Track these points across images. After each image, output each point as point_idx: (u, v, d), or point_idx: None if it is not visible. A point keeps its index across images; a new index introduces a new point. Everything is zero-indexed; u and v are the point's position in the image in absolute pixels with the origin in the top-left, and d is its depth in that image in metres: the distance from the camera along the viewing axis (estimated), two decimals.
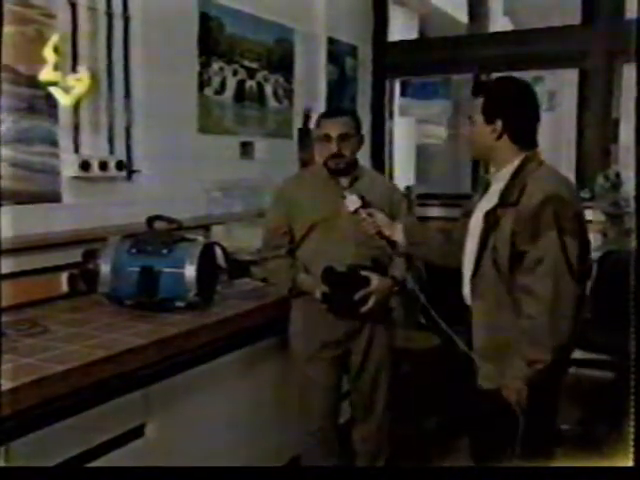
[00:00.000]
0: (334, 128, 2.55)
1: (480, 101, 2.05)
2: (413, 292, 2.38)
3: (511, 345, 1.95)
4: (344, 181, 2.60)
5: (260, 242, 2.73)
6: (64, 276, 2.63)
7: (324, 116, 2.68)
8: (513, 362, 1.93)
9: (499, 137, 2.02)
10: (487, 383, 2.02)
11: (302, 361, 2.64)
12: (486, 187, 2.13)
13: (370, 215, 2.29)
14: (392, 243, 2.29)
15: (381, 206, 2.44)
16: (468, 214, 2.17)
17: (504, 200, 1.99)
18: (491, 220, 2.00)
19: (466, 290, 2.12)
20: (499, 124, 2.01)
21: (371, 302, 2.49)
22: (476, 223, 2.07)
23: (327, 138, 2.54)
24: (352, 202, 2.30)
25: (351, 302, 2.48)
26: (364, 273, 2.49)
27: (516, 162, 2.02)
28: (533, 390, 1.91)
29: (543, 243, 1.89)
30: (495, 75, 4.60)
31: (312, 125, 3.33)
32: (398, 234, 2.26)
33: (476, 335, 2.08)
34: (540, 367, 1.89)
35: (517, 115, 2.03)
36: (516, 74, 4.94)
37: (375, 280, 2.50)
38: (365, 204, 2.31)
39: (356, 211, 2.30)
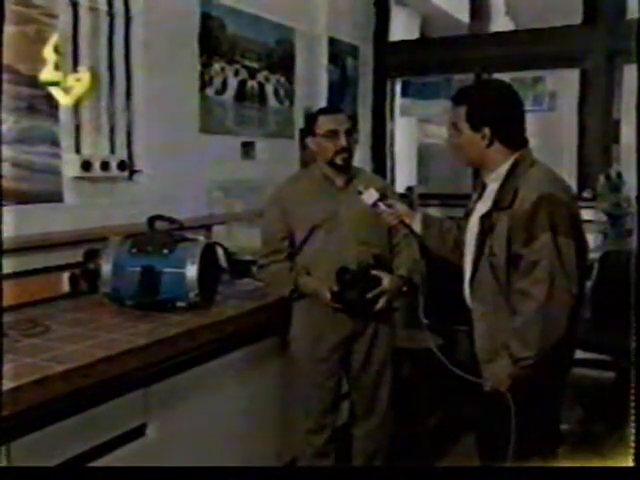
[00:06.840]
0: (341, 123, 2.56)
1: (463, 109, 2.01)
2: (418, 289, 2.38)
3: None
4: (339, 181, 2.61)
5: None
6: (65, 276, 2.64)
7: (325, 112, 2.68)
8: (500, 357, 1.94)
9: (490, 144, 2.00)
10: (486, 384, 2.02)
11: (304, 362, 2.64)
12: (483, 187, 2.12)
13: (390, 206, 2.28)
14: (414, 232, 2.27)
15: None
16: (468, 215, 2.16)
17: (498, 204, 1.98)
18: (486, 224, 2.00)
19: (466, 292, 2.12)
20: (487, 131, 1.99)
21: (382, 301, 2.50)
22: (473, 226, 2.07)
23: (334, 133, 2.54)
24: (370, 196, 2.28)
25: (364, 301, 2.48)
26: (375, 272, 2.50)
27: (508, 163, 2.01)
28: (530, 389, 1.91)
29: (538, 246, 1.88)
30: (489, 75, 4.64)
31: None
32: (417, 224, 2.25)
33: (476, 337, 2.08)
34: (525, 364, 1.89)
35: (504, 120, 2.01)
36: (517, 74, 4.93)
37: (386, 279, 2.50)
38: (382, 196, 2.31)
39: (375, 204, 2.28)
